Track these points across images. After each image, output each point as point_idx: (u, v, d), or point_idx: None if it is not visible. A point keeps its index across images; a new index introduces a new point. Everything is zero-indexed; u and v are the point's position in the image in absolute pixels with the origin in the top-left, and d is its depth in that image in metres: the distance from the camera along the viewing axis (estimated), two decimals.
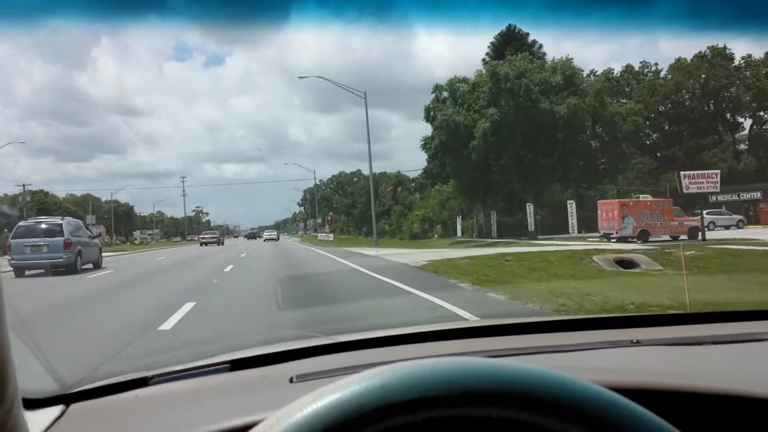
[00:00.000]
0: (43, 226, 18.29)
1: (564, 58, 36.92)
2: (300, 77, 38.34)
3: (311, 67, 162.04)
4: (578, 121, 33.81)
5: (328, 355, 1.46)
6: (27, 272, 17.32)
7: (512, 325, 1.71)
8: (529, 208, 36.53)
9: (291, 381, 1.24)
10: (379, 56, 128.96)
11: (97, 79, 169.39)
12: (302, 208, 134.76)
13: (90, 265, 19.30)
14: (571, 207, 34.39)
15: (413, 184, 74.11)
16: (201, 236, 53.88)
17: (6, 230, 26.38)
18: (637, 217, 29.88)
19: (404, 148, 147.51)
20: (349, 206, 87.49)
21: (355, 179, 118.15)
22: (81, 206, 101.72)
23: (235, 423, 0.92)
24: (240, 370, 1.36)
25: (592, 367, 1.25)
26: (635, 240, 28.74)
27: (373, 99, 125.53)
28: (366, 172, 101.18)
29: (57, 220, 19.24)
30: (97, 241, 21.67)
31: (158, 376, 1.31)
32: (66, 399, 1.19)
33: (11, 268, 17.08)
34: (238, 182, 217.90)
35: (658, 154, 50.96)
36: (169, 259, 26.59)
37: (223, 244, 51.28)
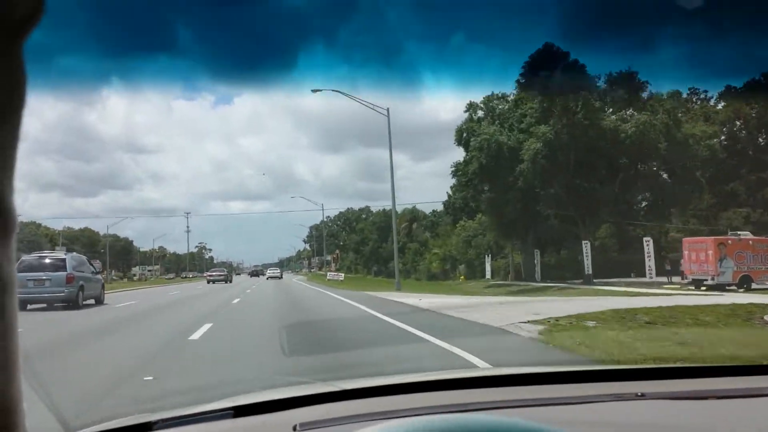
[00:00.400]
0: (47, 260, 18.20)
1: (624, 71, 30.47)
2: (313, 90, 32.08)
3: (317, 108, 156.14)
4: (649, 142, 27.37)
5: (331, 402, 1.44)
6: (29, 306, 16.95)
7: (519, 376, 1.73)
8: (586, 247, 30.14)
9: (294, 429, 1.22)
10: (385, 98, 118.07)
11: (106, 117, 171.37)
12: (307, 246, 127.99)
13: (92, 301, 19.26)
14: (648, 245, 27.88)
15: (424, 222, 67.70)
16: (208, 273, 52.34)
17: None
18: (737, 260, 23.43)
19: (410, 187, 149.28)
20: (359, 243, 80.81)
21: (364, 216, 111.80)
22: (78, 240, 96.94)
23: None
24: (243, 417, 1.35)
25: (597, 421, 1.26)
26: (735, 288, 22.98)
27: (379, 140, 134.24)
28: (375, 208, 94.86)
29: (60, 254, 19.43)
30: (99, 276, 21.72)
31: (162, 421, 1.30)
32: None
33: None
34: (242, 218, 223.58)
35: (715, 190, 44.32)
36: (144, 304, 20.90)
37: (231, 281, 49.03)
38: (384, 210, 74.54)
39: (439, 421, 0.61)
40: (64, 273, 17.70)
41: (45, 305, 17.22)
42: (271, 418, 1.34)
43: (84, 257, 21.46)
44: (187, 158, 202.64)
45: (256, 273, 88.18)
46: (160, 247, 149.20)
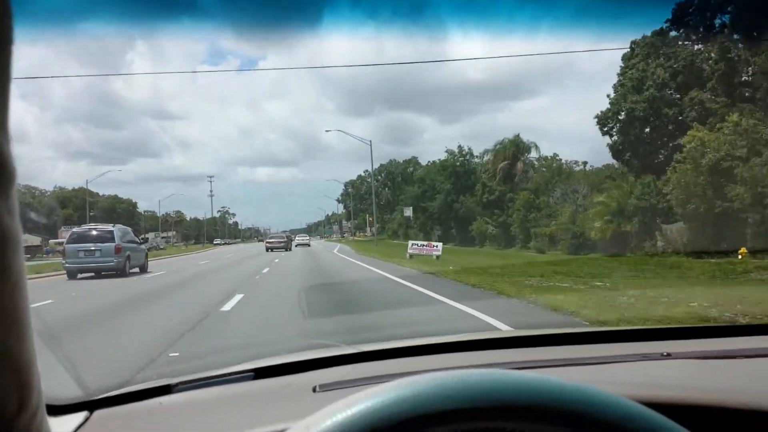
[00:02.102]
0: (95, 232, 19.62)
1: None
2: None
3: (343, 71, 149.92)
4: None
5: (351, 364, 1.46)
6: (79, 275, 18.38)
7: (542, 336, 1.71)
8: None
9: (314, 390, 1.24)
10: (412, 58, 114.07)
11: (131, 83, 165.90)
12: (342, 207, 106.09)
13: (137, 269, 20.36)
14: None
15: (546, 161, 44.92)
16: (267, 240, 47.89)
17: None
18: None
19: (436, 152, 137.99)
20: (418, 198, 57.76)
21: (410, 169, 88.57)
22: (72, 202, 79.68)
23: None
24: (263, 379, 1.37)
25: (623, 380, 1.25)
26: None
27: (404, 101, 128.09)
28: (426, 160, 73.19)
29: (108, 226, 20.62)
30: (143, 246, 23.00)
31: (182, 383, 1.31)
32: (90, 405, 1.20)
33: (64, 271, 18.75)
34: (268, 183, 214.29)
35: None
36: None
37: (290, 249, 42.90)
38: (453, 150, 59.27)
39: (440, 377, 0.60)
40: (113, 244, 19.00)
41: (93, 274, 18.55)
42: (292, 380, 1.36)
43: (129, 229, 22.65)
44: (213, 124, 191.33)
45: (272, 247, 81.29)
46: (177, 212, 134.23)
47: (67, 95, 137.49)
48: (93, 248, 18.88)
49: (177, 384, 1.30)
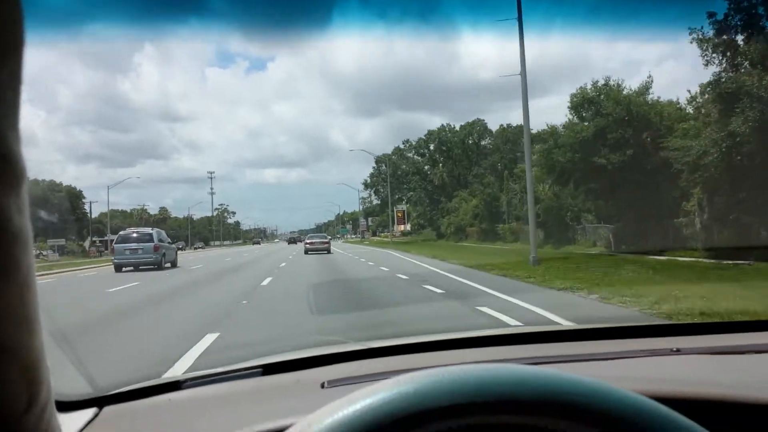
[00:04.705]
0: (135, 234, 24.45)
1: None
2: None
3: (353, 71, 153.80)
4: None
5: (359, 360, 1.48)
6: (123, 269, 23.46)
7: (550, 333, 1.73)
8: None
9: (322, 386, 1.25)
10: (422, 57, 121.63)
11: (139, 85, 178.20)
12: (369, 193, 77.24)
13: (169, 264, 25.00)
14: None
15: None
16: (308, 240, 39.19)
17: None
18: None
19: None
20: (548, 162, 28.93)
21: (473, 137, 60.10)
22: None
23: (266, 427, 0.95)
24: (272, 375, 1.39)
25: (632, 376, 1.24)
26: None
27: (415, 102, 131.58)
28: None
29: (147, 230, 25.66)
30: (174, 246, 27.67)
31: (191, 379, 1.34)
32: (99, 402, 1.22)
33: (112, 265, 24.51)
34: (276, 184, 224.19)
35: None
36: None
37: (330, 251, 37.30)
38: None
39: (447, 372, 0.60)
40: (152, 243, 23.63)
41: (132, 268, 23.45)
42: (300, 376, 1.36)
43: (163, 231, 27.26)
44: (222, 126, 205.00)
45: (294, 240, 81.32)
46: (162, 209, 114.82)
47: (74, 98, 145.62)
48: (136, 247, 23.40)
49: (186, 380, 1.32)
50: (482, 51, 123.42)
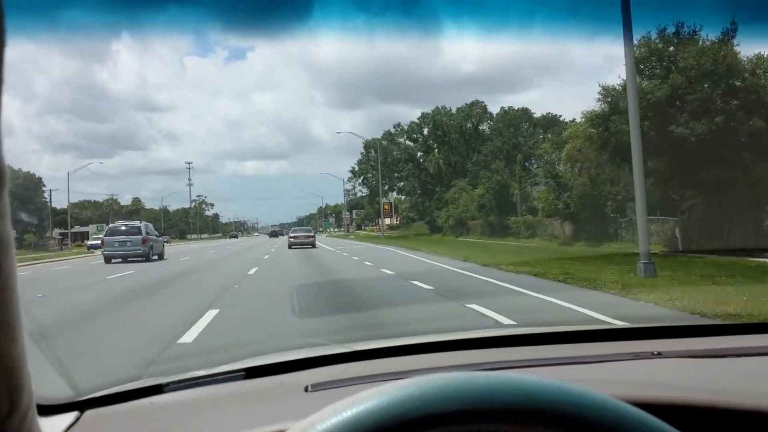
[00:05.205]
0: (124, 227, 25.60)
1: None
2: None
3: (334, 62, 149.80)
4: None
5: (344, 363, 1.45)
6: (112, 261, 24.47)
7: (536, 335, 1.70)
8: None
9: (306, 390, 1.23)
10: (404, 50, 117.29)
11: (116, 74, 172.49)
12: (356, 183, 70.96)
13: (156, 257, 25.71)
14: None
15: None
16: (292, 234, 36.68)
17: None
18: None
19: None
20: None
21: (472, 121, 54.17)
22: None
23: None
24: (255, 378, 1.36)
25: (614, 380, 1.26)
26: None
27: (396, 94, 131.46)
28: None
29: (136, 223, 26.57)
30: (161, 239, 29.11)
31: (173, 383, 1.31)
32: (80, 405, 1.20)
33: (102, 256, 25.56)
34: (256, 177, 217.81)
35: None
36: None
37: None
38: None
39: (452, 378, 0.61)
40: (141, 236, 24.60)
41: (121, 260, 24.41)
42: (283, 379, 1.34)
43: (151, 225, 28.15)
44: (202, 117, 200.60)
45: (275, 233, 77.97)
46: (135, 199, 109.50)
47: (50, 87, 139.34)
48: (125, 239, 24.46)
49: (168, 383, 1.30)
50: (464, 45, 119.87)
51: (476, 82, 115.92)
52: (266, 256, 24.30)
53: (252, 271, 16.08)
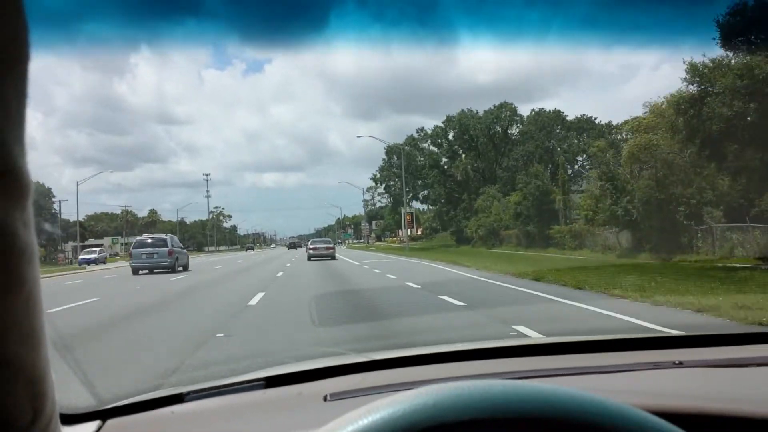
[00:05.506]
0: (151, 240, 26.21)
1: None
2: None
3: (350, 72, 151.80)
4: None
5: (362, 373, 1.45)
6: (140, 272, 24.93)
7: (556, 345, 1.68)
8: None
9: (325, 399, 1.24)
10: (420, 61, 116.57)
11: (136, 87, 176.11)
12: (372, 195, 67.80)
13: (181, 268, 26.18)
14: None
15: None
16: (311, 245, 36.40)
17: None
18: None
19: None
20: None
21: (501, 125, 50.78)
22: None
23: None
24: (274, 388, 1.37)
25: (636, 389, 1.26)
26: None
27: (412, 104, 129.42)
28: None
29: (162, 236, 26.97)
30: (185, 251, 29.46)
31: (194, 392, 1.32)
32: (102, 414, 1.22)
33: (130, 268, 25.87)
34: (275, 189, 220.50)
35: None
36: None
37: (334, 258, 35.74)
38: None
39: (468, 386, 0.61)
40: (167, 248, 25.40)
41: (148, 271, 24.87)
42: (303, 389, 1.34)
43: (176, 237, 29.77)
44: (220, 129, 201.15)
45: (294, 245, 78.57)
46: (151, 211, 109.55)
47: (71, 100, 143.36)
48: (152, 251, 24.93)
49: (188, 393, 1.30)
50: (480, 55, 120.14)
51: (492, 91, 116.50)
52: (280, 274, 20.35)
53: (254, 301, 11.06)
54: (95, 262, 44.76)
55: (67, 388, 1.20)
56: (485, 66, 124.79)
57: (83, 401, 1.27)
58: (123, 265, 37.38)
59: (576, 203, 35.27)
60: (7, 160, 0.45)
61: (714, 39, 16.54)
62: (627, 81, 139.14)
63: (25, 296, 0.48)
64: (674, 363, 1.40)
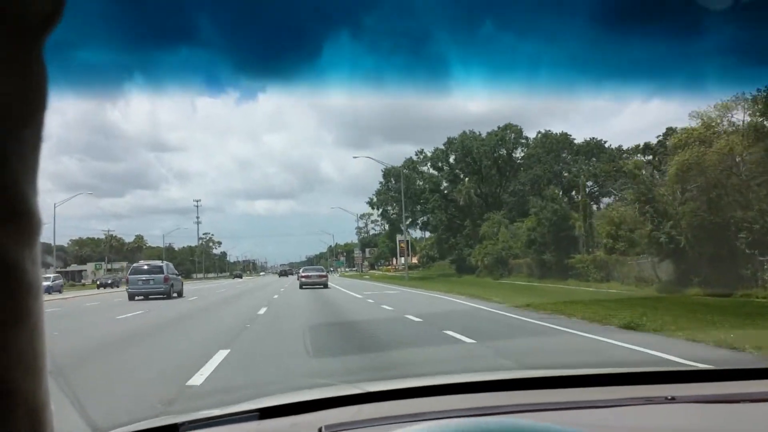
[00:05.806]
0: (147, 267, 27.13)
1: None
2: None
3: (342, 102, 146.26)
4: None
5: (357, 405, 1.43)
6: (135, 298, 25.96)
7: (547, 378, 1.68)
8: None
9: (320, 431, 1.29)
10: (412, 91, 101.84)
11: (129, 114, 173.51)
12: (365, 222, 64.50)
13: (176, 294, 27.12)
14: None
15: None
16: (302, 274, 35.58)
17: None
18: None
19: None
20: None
21: (505, 149, 48.13)
22: None
23: None
24: (269, 419, 1.37)
25: (628, 425, 1.26)
26: None
27: (404, 134, 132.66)
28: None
29: (158, 263, 28.08)
30: (180, 278, 30.04)
31: (189, 422, 1.32)
32: None
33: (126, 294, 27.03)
34: (266, 216, 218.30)
35: None
36: None
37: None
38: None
39: (465, 424, 0.62)
40: (163, 275, 26.16)
41: (143, 297, 25.76)
42: (297, 420, 1.34)
43: (171, 264, 29.54)
44: (212, 156, 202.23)
45: (285, 272, 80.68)
46: (137, 236, 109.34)
47: (63, 126, 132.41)
48: (147, 278, 25.72)
49: (183, 423, 1.30)
50: (471, 85, 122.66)
51: (484, 122, 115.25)
52: (262, 311, 16.08)
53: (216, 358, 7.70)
54: (48, 291, 40.92)
55: (62, 416, 1.13)
56: (477, 96, 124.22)
57: (79, 430, 1.30)
58: (97, 293, 36.16)
59: (595, 229, 31.99)
60: (22, 203, 0.47)
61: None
62: (617, 114, 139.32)
63: (30, 329, 0.49)
64: (666, 398, 1.40)
